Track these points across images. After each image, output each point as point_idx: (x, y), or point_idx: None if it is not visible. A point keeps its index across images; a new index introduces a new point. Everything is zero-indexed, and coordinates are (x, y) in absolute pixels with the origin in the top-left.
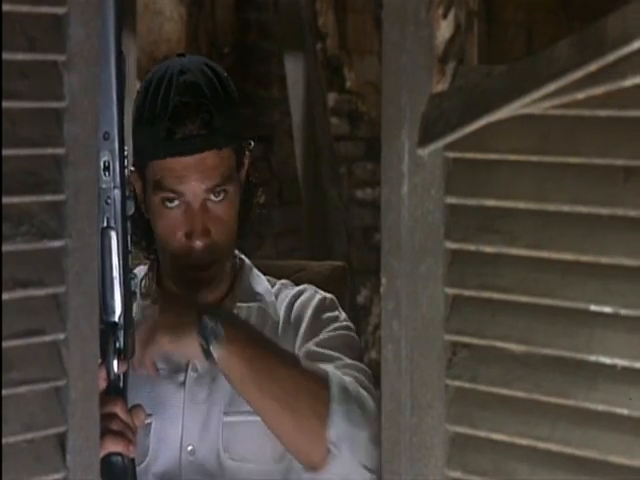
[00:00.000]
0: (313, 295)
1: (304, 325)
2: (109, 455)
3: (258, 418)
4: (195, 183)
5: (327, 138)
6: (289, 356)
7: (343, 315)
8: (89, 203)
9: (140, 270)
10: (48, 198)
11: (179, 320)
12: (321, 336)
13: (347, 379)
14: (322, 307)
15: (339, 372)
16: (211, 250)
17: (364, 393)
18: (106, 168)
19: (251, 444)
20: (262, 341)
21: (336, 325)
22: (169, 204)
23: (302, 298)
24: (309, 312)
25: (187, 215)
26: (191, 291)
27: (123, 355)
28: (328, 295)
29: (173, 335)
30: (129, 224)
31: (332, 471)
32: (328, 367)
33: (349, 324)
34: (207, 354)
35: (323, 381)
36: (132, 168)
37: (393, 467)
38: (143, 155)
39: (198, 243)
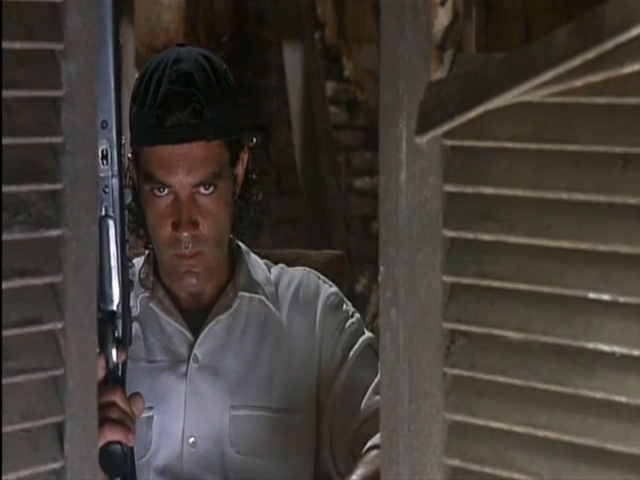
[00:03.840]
0: (318, 287)
1: (322, 330)
2: (108, 444)
3: (265, 413)
4: (182, 175)
5: (325, 127)
6: None
7: (351, 308)
8: (87, 192)
9: (138, 261)
10: (46, 187)
11: None
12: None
13: None
14: (333, 305)
15: None
16: (197, 241)
17: None
18: (104, 157)
19: (258, 438)
20: None
21: (353, 329)
22: (158, 193)
23: (308, 290)
24: (319, 311)
25: (175, 205)
26: (179, 281)
27: (122, 344)
28: (333, 289)
29: None
30: (127, 213)
31: None
32: None
33: (359, 316)
34: None
35: None
36: (130, 155)
37: (391, 455)
38: (135, 142)
39: (185, 234)
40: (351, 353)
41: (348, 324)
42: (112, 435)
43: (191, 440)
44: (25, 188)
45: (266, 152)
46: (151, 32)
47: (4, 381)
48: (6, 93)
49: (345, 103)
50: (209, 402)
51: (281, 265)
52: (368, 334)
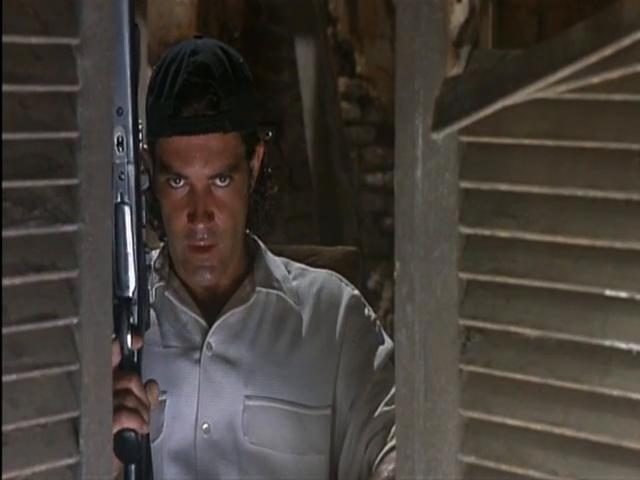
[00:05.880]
0: (341, 288)
1: (344, 335)
2: (123, 431)
3: (279, 405)
4: (198, 166)
5: (337, 123)
6: None
7: (372, 314)
8: (102, 187)
9: (155, 252)
10: (61, 182)
11: None
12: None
13: None
14: (356, 307)
15: None
16: (212, 233)
17: None
18: (120, 143)
19: (271, 429)
20: None
21: (376, 334)
22: (174, 184)
23: (330, 291)
24: (342, 311)
25: (190, 196)
26: (193, 275)
27: (137, 330)
28: (355, 292)
29: None
30: (144, 201)
31: None
32: None
33: (379, 323)
34: None
35: None
36: (145, 146)
37: (407, 452)
38: (152, 132)
39: (200, 226)
40: (375, 363)
41: (371, 329)
42: (128, 422)
43: (204, 426)
44: (41, 183)
45: (278, 148)
46: (164, 27)
47: (20, 376)
48: (22, 88)
49: (357, 99)
50: (223, 390)
51: (302, 265)
52: (389, 342)
